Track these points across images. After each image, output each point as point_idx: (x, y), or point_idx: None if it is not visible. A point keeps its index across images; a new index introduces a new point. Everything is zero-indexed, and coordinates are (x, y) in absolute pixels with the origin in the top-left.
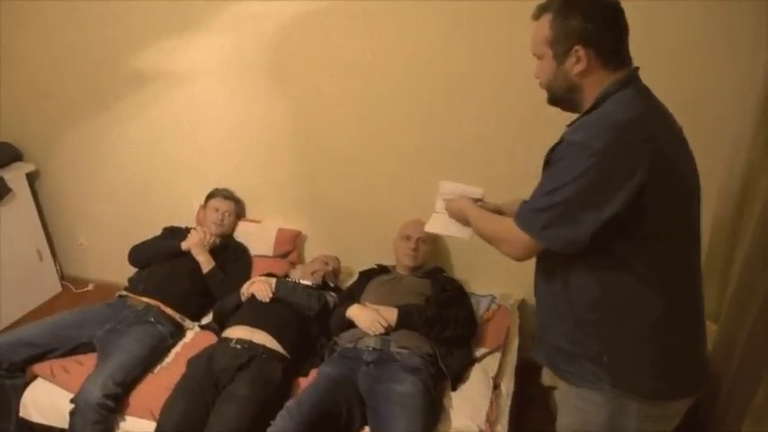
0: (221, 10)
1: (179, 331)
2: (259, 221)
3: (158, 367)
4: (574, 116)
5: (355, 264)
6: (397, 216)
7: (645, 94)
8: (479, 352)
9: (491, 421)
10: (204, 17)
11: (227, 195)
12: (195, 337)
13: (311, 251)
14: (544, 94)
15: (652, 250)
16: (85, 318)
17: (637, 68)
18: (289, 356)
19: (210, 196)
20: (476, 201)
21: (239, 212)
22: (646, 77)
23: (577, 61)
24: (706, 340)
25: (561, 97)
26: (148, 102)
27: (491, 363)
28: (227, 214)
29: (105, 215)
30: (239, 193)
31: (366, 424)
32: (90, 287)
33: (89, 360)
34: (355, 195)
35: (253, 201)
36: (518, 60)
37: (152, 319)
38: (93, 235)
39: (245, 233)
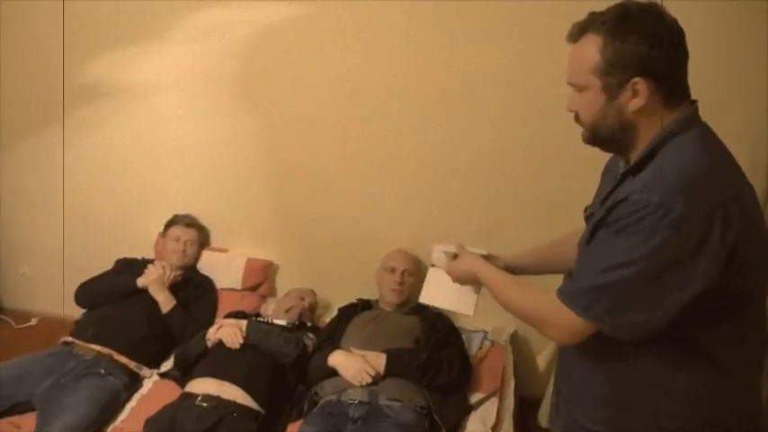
0: (183, 19)
1: (134, 382)
2: (226, 250)
3: (110, 427)
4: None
5: (333, 296)
6: (377, 243)
7: (712, 136)
8: (474, 398)
9: None
10: (164, 26)
11: (189, 222)
12: (154, 388)
13: (284, 283)
14: (543, 115)
15: (730, 324)
16: (24, 371)
17: (696, 102)
18: (263, 411)
19: (170, 223)
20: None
21: (203, 241)
22: None
23: (634, 95)
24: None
25: (608, 137)
26: (100, 119)
27: (488, 410)
28: (189, 243)
29: (52, 243)
30: (203, 220)
31: None
32: (33, 321)
33: (27, 423)
34: (332, 221)
35: (218, 228)
36: (513, 71)
37: (103, 371)
38: (37, 264)
39: (210, 264)
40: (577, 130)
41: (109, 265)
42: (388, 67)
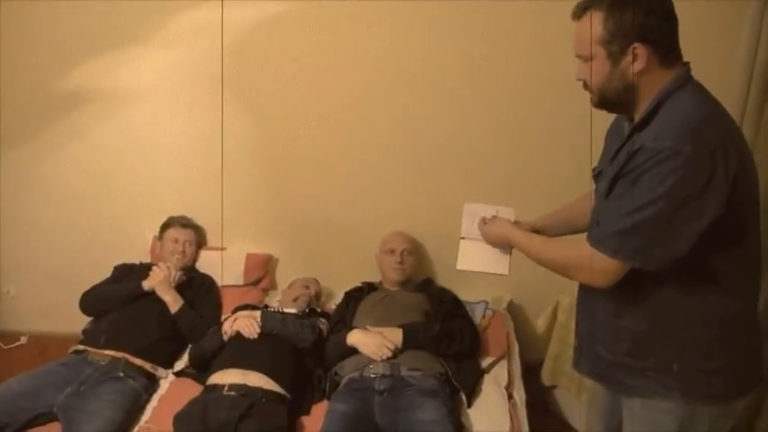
0: (168, 20)
1: (152, 383)
2: (224, 248)
3: (136, 428)
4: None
5: (335, 284)
6: (374, 229)
7: (705, 90)
8: (485, 362)
9: None
10: (149, 29)
11: (185, 223)
12: (171, 388)
13: (284, 275)
14: (540, 96)
15: (732, 251)
16: (39, 383)
17: (688, 64)
18: (289, 396)
19: (166, 226)
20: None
21: (199, 241)
22: None
23: (635, 59)
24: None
25: (614, 99)
26: (84, 126)
27: (500, 372)
28: (187, 244)
29: (38, 259)
30: (198, 220)
31: None
32: (23, 340)
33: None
34: (328, 210)
35: (214, 226)
36: (511, 56)
37: (121, 374)
38: (23, 282)
39: (209, 262)
40: (573, 110)
41: (102, 276)
42: (378, 57)
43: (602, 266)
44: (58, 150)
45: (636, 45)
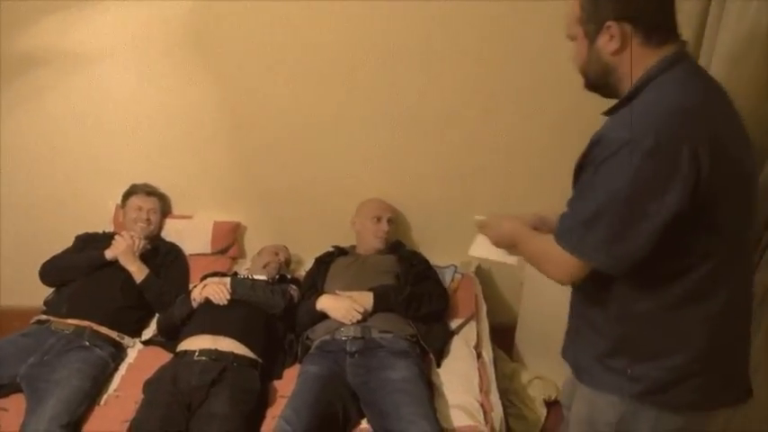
0: None
1: (119, 352)
2: (190, 216)
3: (104, 397)
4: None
5: (304, 251)
6: (344, 195)
7: (697, 72)
8: (454, 323)
9: (484, 391)
10: None
11: (149, 191)
12: (140, 356)
13: (253, 243)
14: (518, 68)
15: (704, 255)
16: (1, 354)
17: (684, 43)
18: (260, 360)
19: (129, 194)
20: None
21: (164, 209)
22: None
23: (611, 39)
24: (747, 348)
25: (597, 82)
26: (40, 89)
27: (469, 332)
28: (152, 212)
29: None
30: (162, 188)
31: (362, 418)
32: None
33: (15, 404)
34: (295, 177)
35: (180, 194)
36: (491, 23)
37: (87, 343)
38: None
39: (175, 231)
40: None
41: (63, 248)
42: (351, 20)
43: (563, 262)
44: (12, 115)
45: (610, 23)
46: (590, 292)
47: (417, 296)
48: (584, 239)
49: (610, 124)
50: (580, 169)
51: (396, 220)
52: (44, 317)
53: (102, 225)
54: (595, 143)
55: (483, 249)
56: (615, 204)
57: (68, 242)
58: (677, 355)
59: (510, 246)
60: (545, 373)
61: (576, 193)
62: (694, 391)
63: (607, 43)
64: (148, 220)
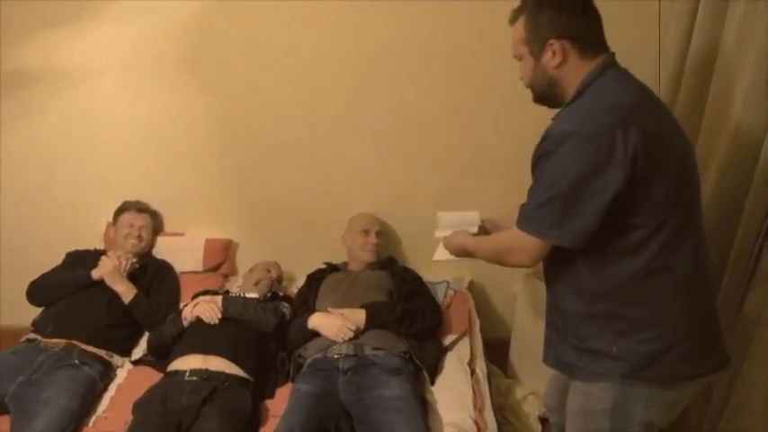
0: None
1: (108, 371)
2: (182, 234)
3: (93, 418)
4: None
5: (296, 268)
6: (335, 212)
7: (625, 76)
8: (448, 340)
9: (478, 408)
10: (100, 4)
11: (140, 208)
12: (129, 376)
13: (244, 260)
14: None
15: (656, 228)
16: None
17: (613, 54)
18: (252, 379)
19: (120, 211)
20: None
21: (156, 226)
22: None
23: (554, 55)
24: (717, 318)
25: (544, 94)
26: (32, 106)
27: (462, 349)
28: (143, 229)
29: None
30: (154, 205)
31: None
32: None
33: (2, 424)
34: (289, 194)
35: (171, 212)
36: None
37: (76, 361)
38: None
39: (166, 248)
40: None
41: (53, 264)
42: (341, 36)
43: (525, 245)
44: (3, 132)
45: (552, 41)
46: (561, 284)
47: (410, 313)
48: (541, 221)
49: (555, 121)
50: (535, 163)
51: (385, 234)
52: (33, 336)
53: (95, 242)
54: (544, 138)
55: (445, 254)
56: (564, 186)
57: (59, 261)
58: (655, 328)
59: (465, 255)
60: (540, 388)
61: (533, 183)
62: (679, 361)
63: (550, 59)
64: (139, 236)
